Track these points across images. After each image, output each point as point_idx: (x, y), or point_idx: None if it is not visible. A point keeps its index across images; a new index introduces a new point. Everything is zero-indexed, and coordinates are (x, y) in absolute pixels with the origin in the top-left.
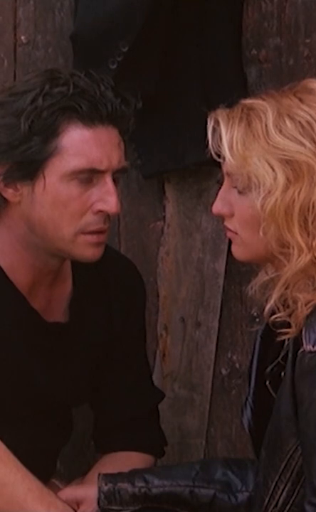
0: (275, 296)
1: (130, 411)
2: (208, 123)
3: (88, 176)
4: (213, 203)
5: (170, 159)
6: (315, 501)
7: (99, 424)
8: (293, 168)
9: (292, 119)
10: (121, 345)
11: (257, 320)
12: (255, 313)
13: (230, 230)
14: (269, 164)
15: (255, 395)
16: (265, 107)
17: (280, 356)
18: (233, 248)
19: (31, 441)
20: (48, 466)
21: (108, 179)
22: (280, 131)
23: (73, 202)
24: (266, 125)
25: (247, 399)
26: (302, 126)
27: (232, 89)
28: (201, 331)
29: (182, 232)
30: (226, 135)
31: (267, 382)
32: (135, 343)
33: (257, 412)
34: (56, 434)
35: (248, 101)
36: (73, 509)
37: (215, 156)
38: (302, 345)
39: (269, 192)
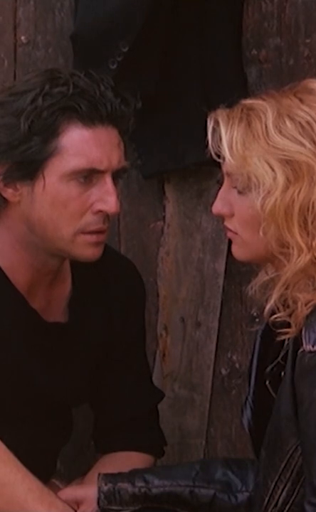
0: (275, 296)
1: (130, 411)
2: (208, 123)
3: (88, 176)
4: (213, 203)
5: (170, 159)
6: (315, 501)
7: (99, 424)
8: (293, 168)
9: (292, 119)
10: (121, 345)
11: (257, 320)
12: (255, 313)
13: (230, 230)
14: (269, 164)
15: (255, 395)
16: (265, 107)
17: (280, 356)
18: (233, 248)
19: (31, 441)
20: (48, 466)
21: (108, 179)
22: (280, 132)
23: (73, 202)
24: (266, 125)
25: (247, 399)
26: (302, 127)
27: (232, 90)
28: (201, 331)
29: (182, 232)
30: (226, 135)
31: (267, 382)
32: (135, 343)
33: (257, 412)
34: (56, 434)
35: (248, 101)
36: (73, 509)
37: (215, 156)
38: (302, 345)
39: (269, 192)
